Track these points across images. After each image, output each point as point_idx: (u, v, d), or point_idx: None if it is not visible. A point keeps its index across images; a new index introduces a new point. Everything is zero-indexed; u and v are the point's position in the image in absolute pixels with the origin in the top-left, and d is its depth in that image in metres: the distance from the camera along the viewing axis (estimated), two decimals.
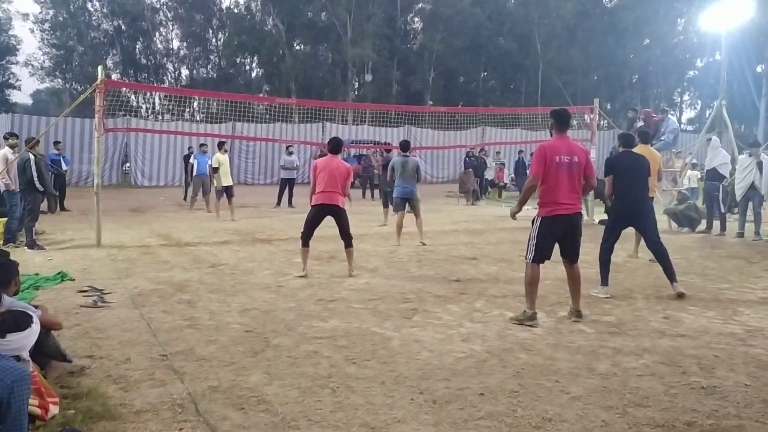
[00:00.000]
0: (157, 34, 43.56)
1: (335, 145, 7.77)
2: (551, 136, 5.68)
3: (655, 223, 6.85)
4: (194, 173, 15.68)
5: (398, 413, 3.52)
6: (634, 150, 7.37)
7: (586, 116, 14.20)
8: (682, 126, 38.95)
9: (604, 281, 6.67)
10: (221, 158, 13.91)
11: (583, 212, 11.70)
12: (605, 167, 6.96)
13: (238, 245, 9.96)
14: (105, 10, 41.20)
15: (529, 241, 5.57)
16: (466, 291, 6.74)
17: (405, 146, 10.67)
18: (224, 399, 3.70)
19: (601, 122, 15.15)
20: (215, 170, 14.01)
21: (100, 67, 10.10)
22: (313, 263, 8.00)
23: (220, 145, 14.45)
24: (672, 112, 42.41)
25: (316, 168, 7.58)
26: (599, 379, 4.10)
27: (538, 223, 5.51)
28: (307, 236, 7.56)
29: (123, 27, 42.19)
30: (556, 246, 5.62)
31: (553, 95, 40.36)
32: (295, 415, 3.48)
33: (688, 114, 50.09)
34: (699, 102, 47.54)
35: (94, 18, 41.62)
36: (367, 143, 25.30)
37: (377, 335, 5.04)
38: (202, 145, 16.58)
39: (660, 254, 6.71)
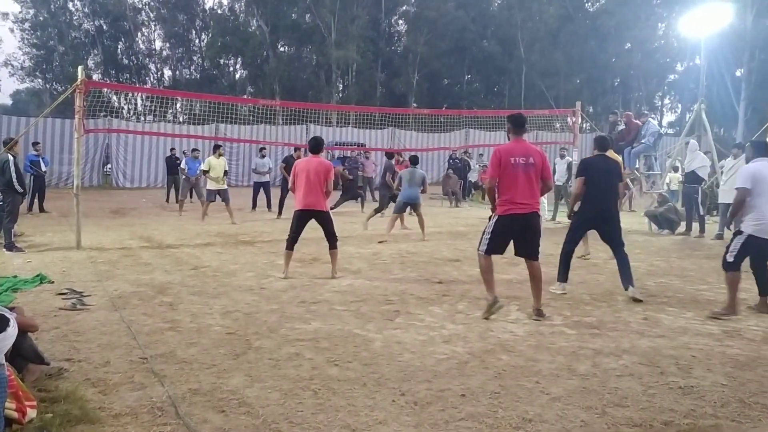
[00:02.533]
0: (139, 34, 43.24)
1: (315, 145, 7.70)
2: (508, 140, 5.89)
3: (620, 230, 6.85)
4: (185, 177, 15.69)
5: (379, 415, 3.53)
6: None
7: (568, 119, 14.32)
8: (663, 129, 39.33)
9: (562, 278, 6.82)
10: (213, 162, 13.75)
11: (547, 213, 11.90)
12: (577, 168, 7.07)
13: (221, 247, 9.91)
14: (86, 10, 40.82)
15: (483, 235, 5.83)
16: (448, 293, 6.76)
17: (414, 160, 12.02)
18: (205, 402, 3.68)
19: (584, 125, 15.30)
20: (205, 173, 13.92)
21: (80, 68, 10.00)
22: (296, 265, 7.98)
23: (215, 148, 14.39)
24: (653, 115, 42.95)
25: (295, 167, 7.58)
26: (579, 379, 4.13)
27: (494, 220, 5.77)
28: (292, 240, 7.60)
29: (104, 27, 41.83)
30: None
31: (537, 98, 40.64)
32: (276, 417, 3.48)
33: (669, 117, 50.72)
34: (679, 105, 48.13)
35: (75, 18, 41.24)
36: (351, 145, 25.26)
37: (359, 337, 5.04)
38: (194, 150, 16.73)
39: (622, 260, 6.71)
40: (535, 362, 4.47)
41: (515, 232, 5.70)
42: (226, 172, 13.93)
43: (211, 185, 13.72)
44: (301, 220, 7.57)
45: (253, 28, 41.55)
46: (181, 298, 6.36)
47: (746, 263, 6.11)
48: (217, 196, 13.69)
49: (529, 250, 5.77)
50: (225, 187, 13.81)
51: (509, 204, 5.63)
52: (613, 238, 6.80)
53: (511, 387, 3.97)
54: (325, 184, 7.49)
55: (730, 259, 5.97)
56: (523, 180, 5.60)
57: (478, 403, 3.72)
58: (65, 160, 22.88)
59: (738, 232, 6.04)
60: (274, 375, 4.14)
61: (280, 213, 14.38)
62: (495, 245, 5.75)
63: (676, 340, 5.08)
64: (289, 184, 7.86)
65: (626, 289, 6.57)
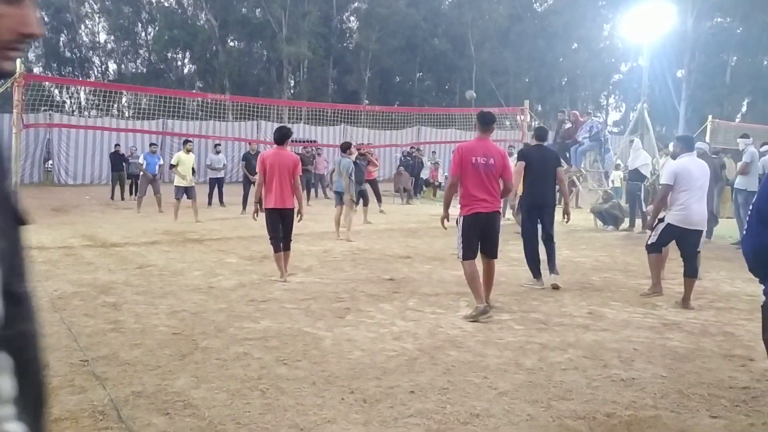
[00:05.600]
0: (82, 26, 41.79)
1: (280, 137, 7.40)
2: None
3: (553, 219, 7.21)
4: (143, 173, 15.26)
5: (328, 413, 3.51)
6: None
7: (518, 117, 14.56)
8: (609, 128, 40.35)
9: (536, 274, 7.03)
10: (182, 157, 13.30)
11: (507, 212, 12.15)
12: (518, 156, 7.49)
13: (168, 246, 9.70)
14: None
15: (457, 241, 5.84)
16: (399, 290, 6.78)
17: (343, 147, 11.53)
18: (148, 404, 3.59)
19: (532, 123, 15.53)
20: (173, 167, 13.47)
21: (18, 60, 9.61)
22: (245, 263, 7.88)
23: (185, 143, 14.02)
24: (597, 113, 44.09)
25: (264, 162, 7.28)
26: (526, 374, 4.20)
27: (461, 223, 5.81)
28: (277, 240, 7.27)
29: (46, 18, 40.24)
30: None
31: (487, 96, 41.07)
32: (222, 418, 3.42)
33: (614, 116, 52.08)
34: (624, 105, 49.48)
35: None
36: (304, 142, 25.08)
37: (309, 335, 5.01)
38: (151, 144, 16.52)
39: (549, 248, 7.11)
40: (483, 357, 4.53)
41: (480, 230, 5.78)
42: (194, 170, 13.53)
43: (178, 182, 13.17)
44: (275, 218, 7.26)
45: (201, 22, 40.69)
46: (125, 298, 6.19)
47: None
48: (184, 192, 13.23)
49: (490, 249, 5.88)
50: (192, 184, 13.33)
51: (471, 204, 5.70)
52: (544, 225, 7.08)
53: (459, 382, 4.01)
54: (293, 179, 7.26)
55: (651, 241, 6.40)
56: (483, 179, 5.67)
57: (427, 399, 3.74)
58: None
59: (661, 220, 6.38)
60: (222, 375, 4.07)
61: (244, 208, 14.27)
62: (469, 248, 5.74)
63: (619, 334, 5.22)
64: (258, 179, 7.42)
65: (550, 274, 6.98)
